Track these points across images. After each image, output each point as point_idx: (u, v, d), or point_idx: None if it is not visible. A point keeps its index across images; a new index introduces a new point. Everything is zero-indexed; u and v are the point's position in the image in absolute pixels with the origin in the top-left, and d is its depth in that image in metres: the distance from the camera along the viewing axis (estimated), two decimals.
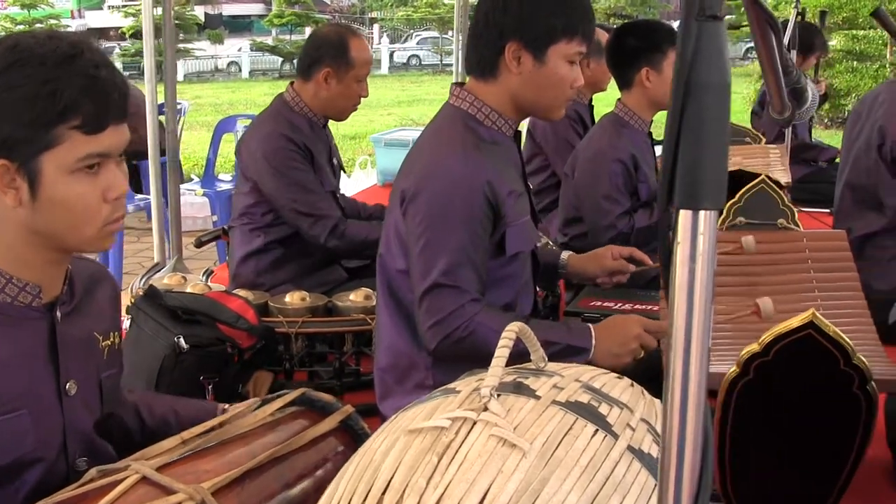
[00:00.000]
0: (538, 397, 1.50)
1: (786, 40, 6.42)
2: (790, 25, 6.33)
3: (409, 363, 2.93)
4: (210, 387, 3.25)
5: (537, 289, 3.73)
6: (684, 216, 0.92)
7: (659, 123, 4.33)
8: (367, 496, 1.38)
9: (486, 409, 1.44)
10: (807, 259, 3.34)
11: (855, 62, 15.60)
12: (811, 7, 14.51)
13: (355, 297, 3.72)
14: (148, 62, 5.37)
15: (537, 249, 3.15)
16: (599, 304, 3.74)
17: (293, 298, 3.71)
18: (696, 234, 0.91)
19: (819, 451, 2.41)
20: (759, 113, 7.80)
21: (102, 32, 48.32)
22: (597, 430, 1.46)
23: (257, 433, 2.12)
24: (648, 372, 2.75)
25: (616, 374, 1.80)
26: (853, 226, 4.59)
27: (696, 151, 0.90)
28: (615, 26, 5.51)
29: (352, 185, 9.39)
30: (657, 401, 1.81)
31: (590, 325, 2.91)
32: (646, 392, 1.80)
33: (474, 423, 1.42)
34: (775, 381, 2.30)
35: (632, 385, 1.77)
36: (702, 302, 0.93)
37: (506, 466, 1.34)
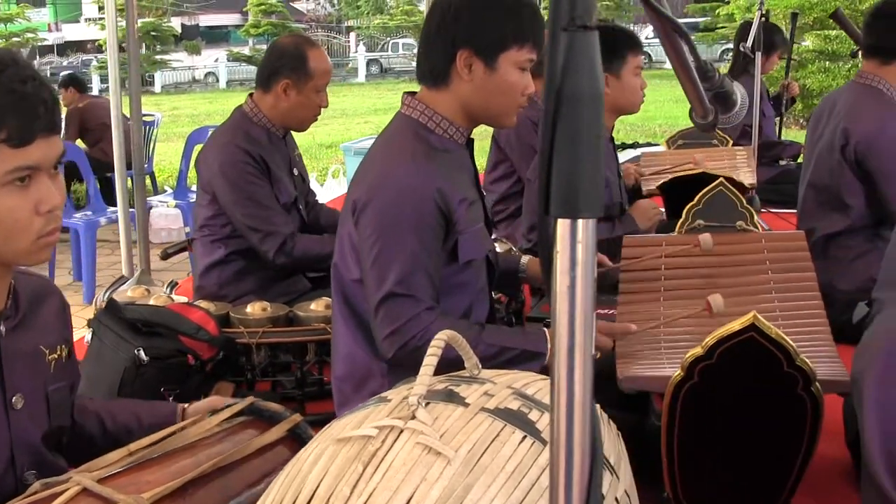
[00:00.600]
0: (467, 405, 1.51)
1: (749, 42, 6.47)
2: (754, 27, 6.38)
3: (366, 371, 2.93)
4: (171, 398, 3.25)
5: (501, 294, 3.74)
6: (562, 225, 0.92)
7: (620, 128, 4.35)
8: None
9: (413, 417, 1.45)
10: (765, 260, 3.35)
11: (827, 62, 15.66)
12: (783, 8, 14.60)
13: (316, 306, 3.72)
14: (112, 75, 5.36)
15: (492, 256, 3.16)
16: None
17: (254, 309, 3.71)
18: (574, 242, 0.92)
19: (767, 451, 2.42)
20: None
21: (80, 45, 48.30)
22: (525, 436, 1.47)
23: (204, 443, 2.12)
24: (604, 374, 2.77)
25: None
26: (817, 226, 4.63)
27: (571, 162, 0.91)
28: None
29: (325, 193, 9.39)
30: (597, 406, 1.82)
31: (545, 329, 2.92)
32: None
33: (401, 432, 1.43)
34: (720, 383, 2.31)
35: None
36: (583, 309, 0.94)
37: (430, 474, 1.35)
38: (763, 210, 6.10)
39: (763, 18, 6.45)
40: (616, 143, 8.01)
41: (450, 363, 1.75)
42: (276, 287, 4.30)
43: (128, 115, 5.79)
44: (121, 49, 5.46)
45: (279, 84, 4.26)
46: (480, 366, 1.75)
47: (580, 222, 0.92)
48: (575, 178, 0.91)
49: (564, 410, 0.96)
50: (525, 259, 3.61)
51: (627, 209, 4.60)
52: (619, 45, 4.28)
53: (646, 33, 45.33)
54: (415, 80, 3.05)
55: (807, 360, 2.26)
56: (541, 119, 0.93)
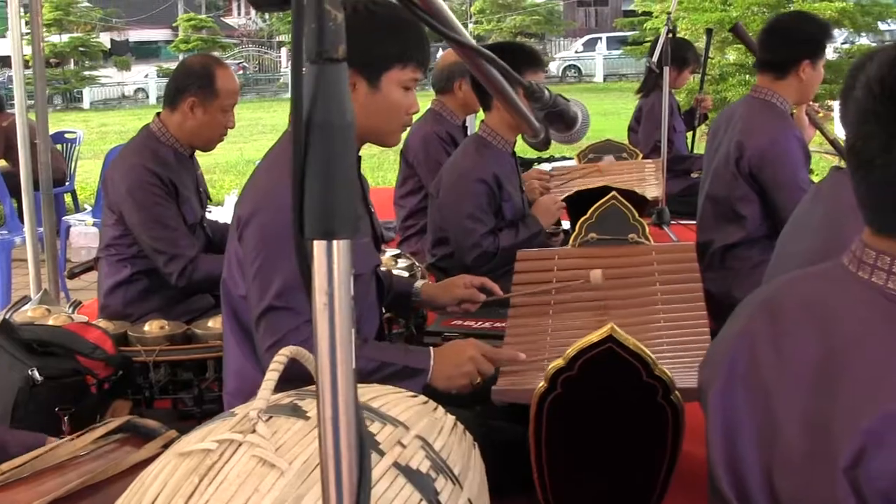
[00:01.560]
0: (308, 418, 1.56)
1: (655, 57, 6.58)
2: (660, 42, 6.48)
3: (255, 386, 2.91)
4: (66, 418, 3.25)
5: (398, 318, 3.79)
6: (319, 246, 0.98)
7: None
8: None
9: (254, 431, 1.49)
10: (654, 272, 3.43)
11: (747, 75, 15.88)
12: (703, 23, 14.79)
13: (214, 323, 3.75)
14: (18, 93, 5.35)
15: (381, 272, 3.20)
16: (461, 323, 3.81)
17: (152, 327, 3.73)
18: (331, 262, 0.98)
19: (633, 458, 2.49)
20: (636, 129, 7.95)
21: (5, 60, 47.81)
22: None
23: (76, 462, 2.15)
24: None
25: (410, 394, 1.86)
26: (715, 237, 4.74)
27: (325, 186, 0.96)
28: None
29: None
30: (450, 418, 1.87)
31: (430, 347, 2.97)
32: (440, 410, 1.86)
33: (239, 445, 1.47)
34: (583, 394, 2.37)
35: (424, 403, 1.83)
36: (342, 325, 0.99)
37: (262, 485, 1.39)
38: (673, 222, 6.19)
39: (671, 35, 6.54)
40: (533, 157, 8.14)
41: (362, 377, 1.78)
42: (180, 306, 4.33)
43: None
44: (27, 66, 5.45)
45: (186, 102, 4.28)
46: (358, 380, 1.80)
47: (335, 243, 0.98)
48: (328, 202, 0.96)
49: (330, 418, 1.01)
50: (419, 284, 3.66)
51: (529, 211, 4.67)
52: (523, 62, 4.35)
53: (575, 47, 45.78)
54: None
55: (665, 370, 2.32)
56: (292, 147, 0.98)
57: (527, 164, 7.40)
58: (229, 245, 2.98)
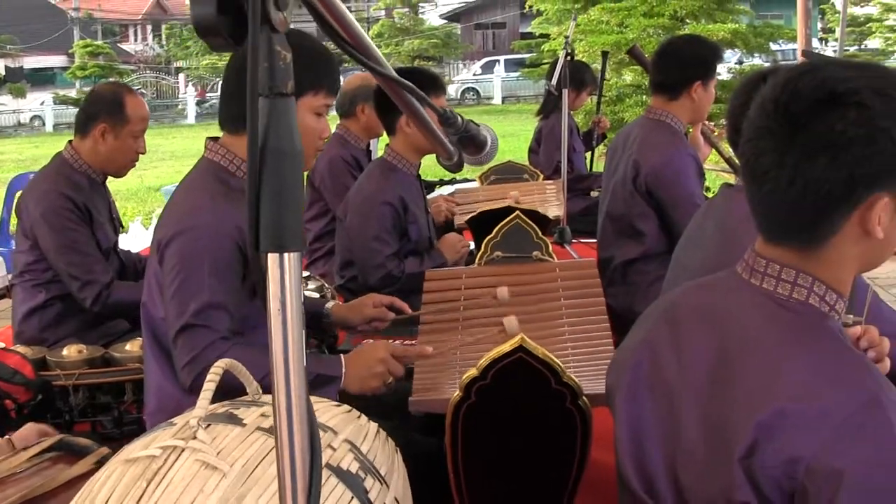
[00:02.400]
0: (244, 425, 1.67)
1: (554, 80, 6.75)
2: (559, 65, 6.64)
3: (175, 404, 3.03)
4: None
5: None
6: (272, 259, 1.11)
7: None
8: None
9: (194, 437, 1.60)
10: (559, 288, 3.56)
11: (644, 96, 16.20)
12: (598, 46, 15.07)
13: (131, 346, 3.81)
14: None
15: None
16: (371, 340, 3.91)
17: (70, 351, 3.79)
18: (283, 272, 1.11)
19: (545, 462, 2.61)
20: (537, 150, 8.12)
21: None
22: None
23: (12, 479, 2.22)
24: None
25: (334, 403, 1.98)
26: (615, 253, 4.89)
27: (278, 206, 1.09)
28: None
29: (150, 237, 9.34)
30: (374, 425, 1.99)
31: (341, 355, 3.08)
32: (364, 417, 1.98)
33: (182, 451, 1.58)
34: (496, 401, 2.50)
35: (349, 412, 1.95)
36: (293, 327, 1.12)
37: (206, 486, 1.50)
38: (574, 241, 6.35)
39: (569, 57, 6.72)
40: (436, 179, 8.28)
41: (242, 390, 1.90)
42: (96, 330, 4.39)
43: None
44: None
45: (97, 128, 4.35)
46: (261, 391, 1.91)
47: (286, 255, 1.11)
48: (280, 219, 1.09)
49: (284, 414, 1.14)
50: (330, 304, 3.76)
51: (436, 243, 4.80)
52: (420, 87, 4.47)
53: (473, 69, 46.06)
54: None
55: (573, 377, 2.46)
56: (248, 171, 1.11)
57: (430, 186, 7.54)
58: (149, 268, 3.07)
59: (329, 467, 1.64)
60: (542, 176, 6.92)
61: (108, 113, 4.36)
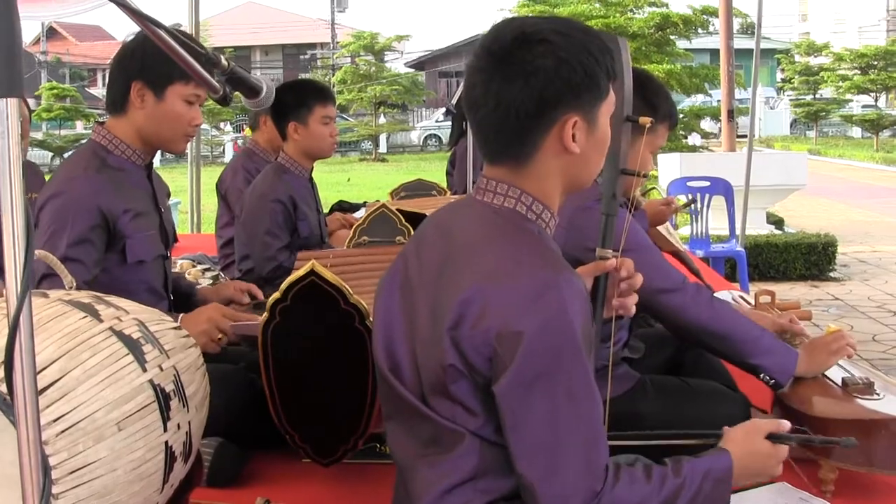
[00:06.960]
0: (49, 297, 2.13)
1: (454, 99, 7.19)
2: (459, 88, 7.08)
3: None
4: None
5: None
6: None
7: None
8: None
9: None
10: None
11: None
12: None
13: None
14: None
15: (167, 263, 3.72)
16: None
17: None
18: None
19: (343, 377, 3.07)
20: (451, 173, 8.59)
21: None
22: (85, 315, 2.09)
23: None
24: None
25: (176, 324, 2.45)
26: None
27: None
28: None
29: None
30: (181, 331, 2.45)
31: (179, 314, 3.47)
32: (172, 323, 2.44)
33: None
34: (296, 321, 2.97)
35: (175, 326, 2.42)
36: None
37: None
38: None
39: None
40: (360, 201, 8.71)
41: None
42: None
43: None
44: None
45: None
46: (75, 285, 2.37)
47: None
48: None
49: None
50: (199, 287, 4.26)
51: (327, 240, 5.27)
52: (306, 96, 4.94)
53: (436, 116, 46.46)
54: None
55: (360, 300, 2.93)
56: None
57: (354, 207, 7.98)
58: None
59: (112, 330, 2.10)
60: (448, 192, 7.34)
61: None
